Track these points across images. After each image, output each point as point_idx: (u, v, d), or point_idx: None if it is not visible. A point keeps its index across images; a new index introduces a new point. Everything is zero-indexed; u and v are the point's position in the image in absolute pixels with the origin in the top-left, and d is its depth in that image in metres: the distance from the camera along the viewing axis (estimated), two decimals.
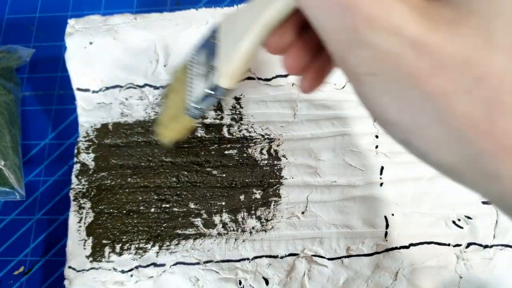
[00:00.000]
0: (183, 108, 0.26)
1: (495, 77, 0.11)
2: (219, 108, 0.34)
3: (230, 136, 0.33)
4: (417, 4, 0.12)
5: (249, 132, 0.33)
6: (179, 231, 0.31)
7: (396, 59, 0.12)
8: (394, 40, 0.11)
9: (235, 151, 0.33)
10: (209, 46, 0.23)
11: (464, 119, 0.11)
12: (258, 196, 0.32)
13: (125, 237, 0.32)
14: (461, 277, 0.29)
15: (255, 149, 0.33)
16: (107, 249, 0.32)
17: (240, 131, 0.33)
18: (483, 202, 0.30)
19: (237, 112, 0.34)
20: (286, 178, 0.32)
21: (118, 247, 0.32)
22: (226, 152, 0.33)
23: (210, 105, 0.25)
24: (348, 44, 0.13)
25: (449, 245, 0.29)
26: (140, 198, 0.32)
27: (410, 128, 0.13)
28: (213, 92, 0.23)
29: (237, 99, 0.34)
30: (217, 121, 0.34)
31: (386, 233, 0.30)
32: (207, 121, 0.34)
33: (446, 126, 0.12)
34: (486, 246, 0.29)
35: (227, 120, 0.34)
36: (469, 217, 0.30)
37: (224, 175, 0.32)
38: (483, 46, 0.11)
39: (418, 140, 0.13)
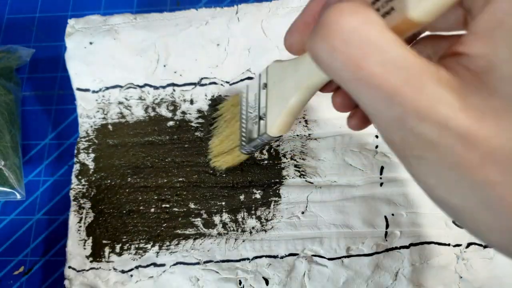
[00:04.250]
0: (236, 143, 0.29)
1: None
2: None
3: None
4: (461, 92, 0.12)
5: None
6: (179, 231, 0.31)
7: (445, 149, 0.12)
8: (443, 132, 0.12)
9: None
10: (260, 92, 0.26)
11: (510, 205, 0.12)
12: (258, 196, 0.32)
13: (125, 237, 0.32)
14: (461, 277, 0.29)
15: None
16: (107, 249, 0.32)
17: None
18: None
19: None
20: (286, 178, 0.32)
21: (118, 247, 0.32)
22: None
23: (260, 146, 0.27)
24: (395, 130, 0.13)
25: (449, 245, 0.29)
26: (140, 198, 0.32)
27: (459, 209, 0.13)
28: (262, 138, 0.26)
29: None
30: None
31: (386, 233, 0.30)
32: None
33: (495, 213, 0.12)
34: (486, 246, 0.29)
35: None
36: None
37: (224, 175, 0.32)
38: None
39: (468, 220, 0.13)
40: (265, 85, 0.25)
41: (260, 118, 0.26)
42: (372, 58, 0.12)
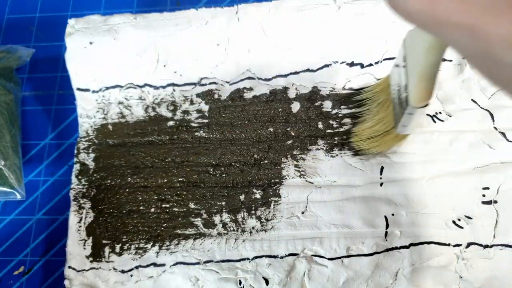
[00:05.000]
0: (392, 124, 0.28)
1: None
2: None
3: None
4: None
5: None
6: (179, 231, 0.31)
7: None
8: None
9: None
10: (401, 66, 0.26)
11: None
12: (258, 196, 0.32)
13: (125, 237, 0.32)
14: (461, 277, 0.29)
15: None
16: (107, 249, 0.32)
17: None
18: (483, 202, 0.30)
19: None
20: (286, 178, 0.32)
21: (118, 247, 0.32)
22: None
23: (412, 122, 0.27)
24: (484, 63, 0.12)
25: (449, 245, 0.29)
26: (140, 198, 0.32)
27: None
28: (409, 111, 0.26)
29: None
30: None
31: (386, 233, 0.30)
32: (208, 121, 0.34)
33: None
34: (486, 246, 0.29)
35: None
36: (469, 217, 0.30)
37: (224, 175, 0.32)
38: None
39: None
40: (404, 58, 0.25)
41: (404, 92, 0.26)
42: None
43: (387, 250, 0.30)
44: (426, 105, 0.26)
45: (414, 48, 0.24)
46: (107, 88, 0.35)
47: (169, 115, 0.34)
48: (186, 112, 0.34)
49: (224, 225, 0.31)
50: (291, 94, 0.34)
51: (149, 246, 0.31)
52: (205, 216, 0.32)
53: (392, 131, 0.29)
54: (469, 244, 0.29)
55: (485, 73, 0.13)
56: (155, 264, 0.31)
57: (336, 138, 0.32)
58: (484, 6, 0.11)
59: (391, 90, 0.28)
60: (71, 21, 0.36)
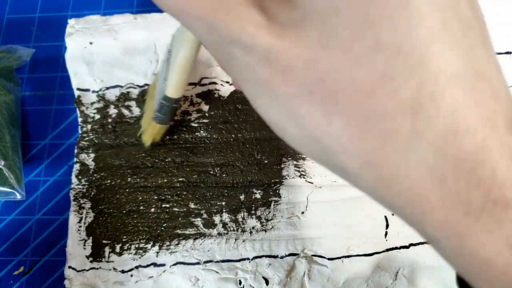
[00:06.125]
0: (152, 116, 0.30)
1: (331, 77, 0.11)
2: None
3: None
4: (269, 10, 0.12)
5: None
6: (179, 231, 0.31)
7: (255, 69, 0.12)
8: (250, 53, 0.12)
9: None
10: (166, 60, 0.27)
11: (308, 119, 0.12)
12: (258, 196, 0.32)
13: (125, 237, 0.32)
14: None
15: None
16: (107, 249, 0.32)
17: None
18: None
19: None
20: (286, 178, 0.32)
21: (118, 247, 0.32)
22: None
23: (168, 112, 0.28)
24: (219, 55, 0.13)
25: None
26: (140, 198, 0.32)
27: (277, 126, 0.13)
28: (164, 102, 0.27)
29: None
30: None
31: (386, 233, 0.30)
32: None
33: (297, 124, 0.12)
34: None
35: None
36: None
37: (224, 175, 0.32)
38: (322, 45, 0.11)
39: (286, 137, 0.13)
40: (170, 51, 0.27)
41: (163, 83, 0.27)
42: None
43: (387, 250, 0.30)
44: (180, 99, 0.27)
45: (177, 42, 0.25)
46: (107, 88, 0.35)
47: None
48: (186, 112, 0.34)
49: (224, 225, 0.31)
50: None
51: (149, 246, 0.31)
52: (205, 216, 0.32)
53: (152, 122, 0.30)
54: None
55: (220, 63, 0.14)
56: (155, 264, 0.31)
57: None
58: (219, 2, 0.12)
59: (157, 84, 0.30)
60: (71, 21, 0.36)
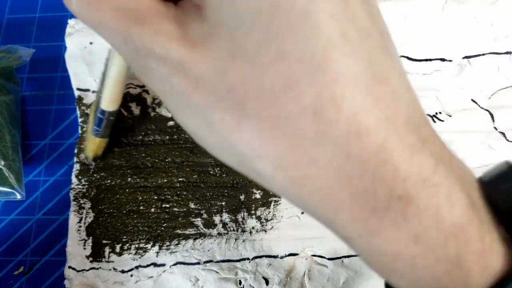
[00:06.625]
0: (92, 129, 0.30)
1: (239, 85, 0.11)
2: None
3: None
4: (183, 24, 0.12)
5: None
6: (179, 231, 0.31)
7: (170, 79, 0.12)
8: (165, 65, 0.12)
9: None
10: (103, 72, 0.28)
11: (221, 125, 0.12)
12: (258, 196, 0.32)
13: (125, 237, 0.32)
14: None
15: None
16: (107, 249, 0.32)
17: None
18: None
19: None
20: None
21: (118, 247, 0.32)
22: None
23: (105, 125, 0.29)
24: (134, 66, 0.13)
25: None
26: (140, 198, 0.32)
27: (196, 135, 0.14)
28: (100, 115, 0.28)
29: None
30: None
31: None
32: None
33: (212, 132, 0.13)
34: None
35: None
36: None
37: (224, 175, 0.32)
38: (231, 56, 0.11)
39: (205, 145, 0.14)
40: (106, 64, 0.27)
41: (99, 96, 0.27)
42: (107, 3, 0.12)
43: None
44: (116, 112, 0.28)
45: (111, 54, 0.25)
46: None
47: (169, 115, 0.34)
48: None
49: (224, 225, 0.31)
50: None
51: (149, 246, 0.31)
52: (205, 216, 0.32)
53: (91, 136, 0.30)
54: None
55: (138, 75, 0.14)
56: (155, 264, 0.31)
57: None
58: (136, 17, 0.12)
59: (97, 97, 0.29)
60: (71, 21, 0.36)
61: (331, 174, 0.12)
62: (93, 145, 0.31)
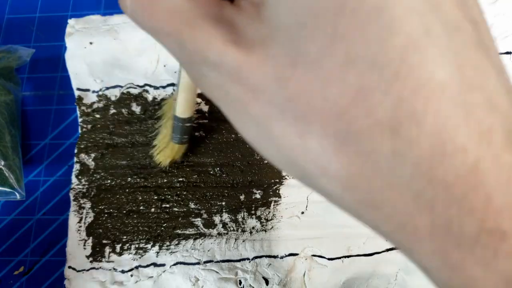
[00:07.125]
0: (171, 136, 0.30)
1: (302, 96, 0.10)
2: None
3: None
4: (239, 26, 0.11)
5: None
6: (179, 231, 0.31)
7: (226, 87, 0.11)
8: (220, 72, 0.11)
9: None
10: (177, 78, 0.28)
11: (283, 140, 0.11)
12: (258, 196, 0.32)
13: (125, 237, 0.32)
14: None
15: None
16: (107, 249, 0.32)
17: None
18: None
19: None
20: (286, 178, 0.32)
21: (118, 247, 0.32)
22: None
23: (182, 132, 0.29)
24: (193, 73, 0.13)
25: None
26: (140, 198, 0.32)
27: (256, 145, 0.13)
28: (175, 122, 0.28)
29: None
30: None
31: None
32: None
33: (273, 145, 0.12)
34: None
35: None
36: None
37: (224, 175, 0.32)
38: (292, 63, 0.10)
39: (267, 157, 0.13)
40: (179, 71, 0.27)
41: (175, 104, 0.28)
42: (160, 6, 0.11)
43: (387, 250, 0.30)
44: (191, 118, 0.28)
45: None
46: (107, 88, 0.35)
47: None
48: None
49: (224, 225, 0.31)
50: None
51: (149, 246, 0.31)
52: (205, 216, 0.32)
53: (170, 142, 0.30)
54: None
55: (195, 82, 0.13)
56: (155, 264, 0.31)
57: None
58: (187, 20, 0.11)
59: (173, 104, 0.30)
60: (71, 21, 0.36)
61: (409, 199, 0.10)
62: (171, 151, 0.31)
